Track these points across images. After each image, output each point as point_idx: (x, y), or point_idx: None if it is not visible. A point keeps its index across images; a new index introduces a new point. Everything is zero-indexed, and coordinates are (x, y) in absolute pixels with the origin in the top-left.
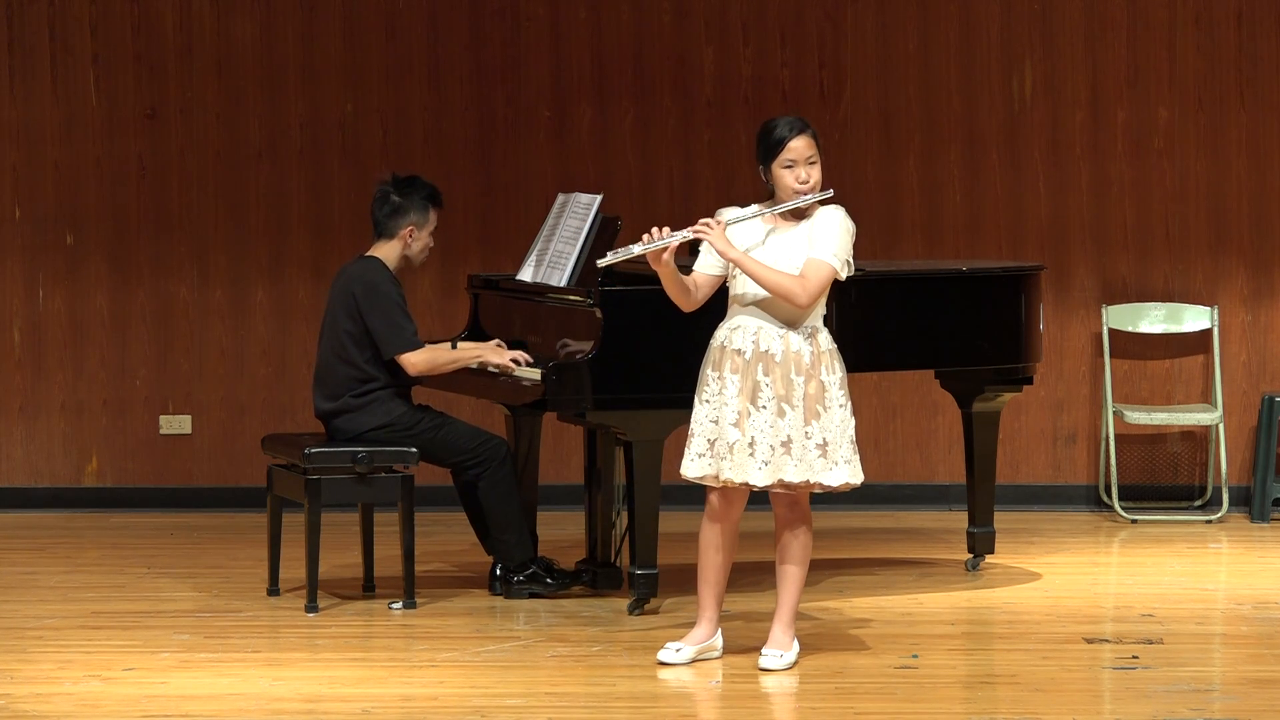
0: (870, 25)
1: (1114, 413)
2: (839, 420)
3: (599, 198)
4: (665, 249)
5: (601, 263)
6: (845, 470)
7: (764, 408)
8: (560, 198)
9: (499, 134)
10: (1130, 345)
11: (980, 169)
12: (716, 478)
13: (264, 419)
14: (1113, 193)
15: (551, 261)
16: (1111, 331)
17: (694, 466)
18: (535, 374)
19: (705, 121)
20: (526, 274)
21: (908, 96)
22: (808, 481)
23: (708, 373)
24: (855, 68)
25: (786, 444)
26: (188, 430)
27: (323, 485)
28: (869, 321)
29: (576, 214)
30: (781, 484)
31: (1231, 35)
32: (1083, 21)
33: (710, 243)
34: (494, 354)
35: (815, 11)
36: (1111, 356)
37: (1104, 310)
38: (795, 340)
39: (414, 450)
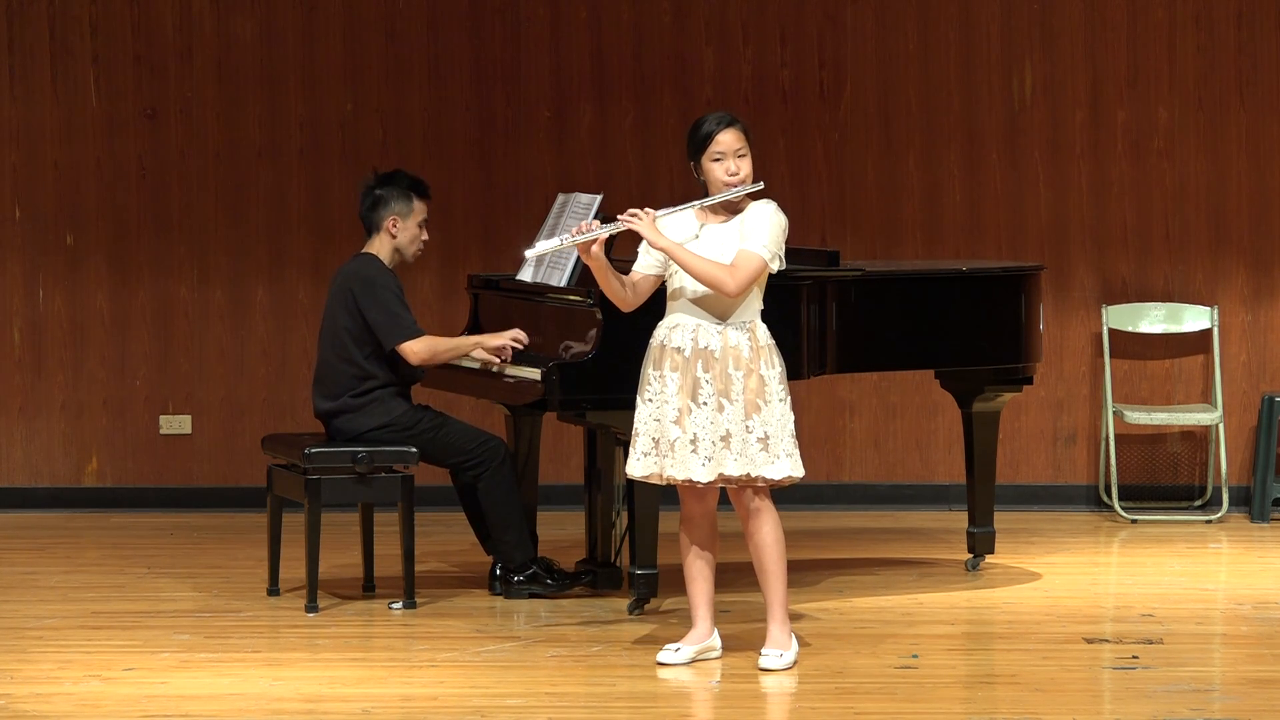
0: (870, 25)
1: (1114, 413)
2: (779, 414)
3: (599, 197)
4: (595, 241)
5: (530, 253)
6: (787, 464)
7: (704, 404)
8: (560, 197)
9: (499, 134)
10: (1130, 345)
11: (980, 169)
12: (660, 475)
13: (264, 419)
14: (1113, 193)
15: (551, 261)
16: (1111, 331)
17: (639, 466)
18: (535, 374)
19: None
20: (526, 274)
21: (908, 96)
22: (748, 475)
23: (649, 372)
24: (855, 68)
25: (726, 439)
26: (188, 430)
27: (323, 485)
28: (869, 321)
29: (576, 214)
30: (722, 478)
31: (1231, 35)
32: (1083, 21)
33: (640, 232)
34: (489, 339)
35: (815, 11)
36: (1111, 356)
37: (1104, 310)
38: (733, 335)
39: (414, 450)
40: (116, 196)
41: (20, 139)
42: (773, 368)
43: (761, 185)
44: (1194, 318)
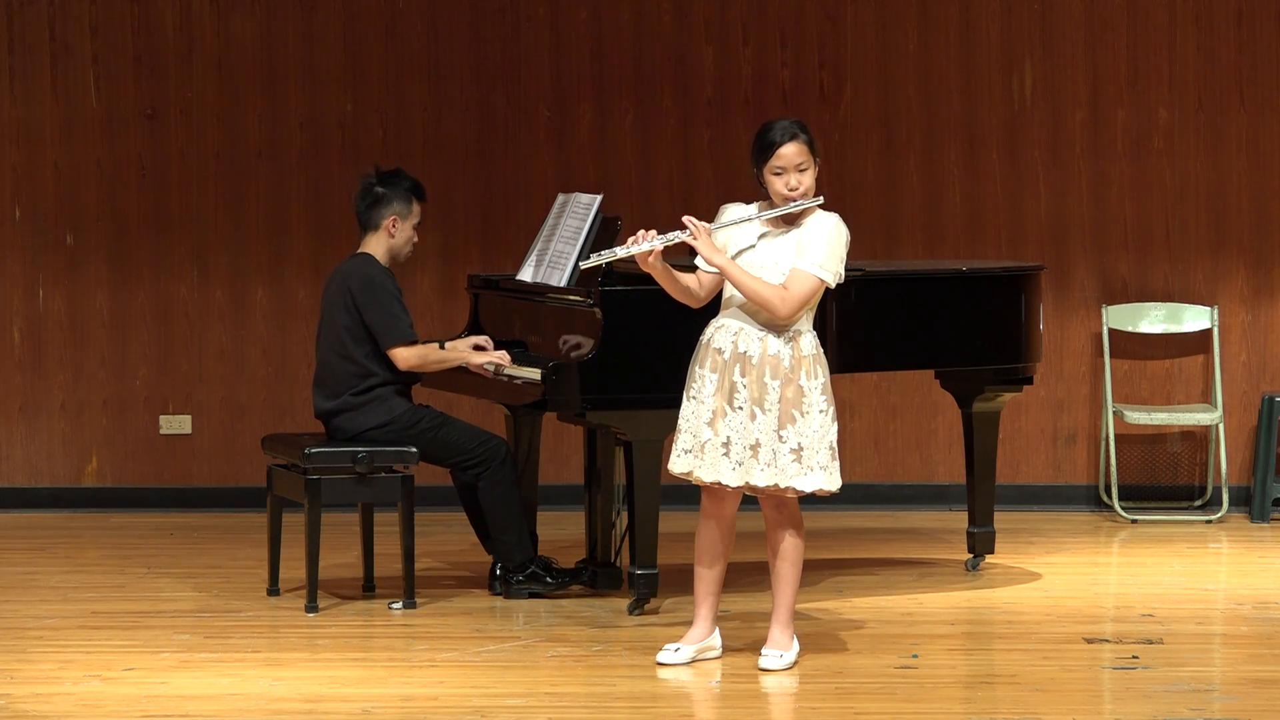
0: (870, 25)
1: (1114, 413)
2: (817, 425)
3: (599, 198)
4: (651, 252)
5: (585, 264)
6: (820, 476)
7: (740, 409)
8: (560, 198)
9: (499, 134)
10: (1130, 345)
11: (980, 169)
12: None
13: (264, 419)
14: (1113, 193)
15: (551, 261)
16: (1111, 331)
17: (679, 463)
18: (535, 374)
19: (705, 121)
20: (526, 274)
21: (908, 96)
22: (776, 485)
23: (694, 369)
24: (855, 68)
25: (755, 448)
26: (188, 430)
27: (323, 485)
28: (869, 321)
29: (576, 214)
30: (750, 487)
31: (1231, 35)
32: (1083, 21)
33: (695, 248)
34: (475, 355)
35: (815, 11)
36: (1111, 356)
37: (1104, 310)
38: (774, 344)
39: (414, 450)
40: (116, 196)
41: (20, 139)
42: (815, 378)
43: (820, 200)
44: (1194, 318)
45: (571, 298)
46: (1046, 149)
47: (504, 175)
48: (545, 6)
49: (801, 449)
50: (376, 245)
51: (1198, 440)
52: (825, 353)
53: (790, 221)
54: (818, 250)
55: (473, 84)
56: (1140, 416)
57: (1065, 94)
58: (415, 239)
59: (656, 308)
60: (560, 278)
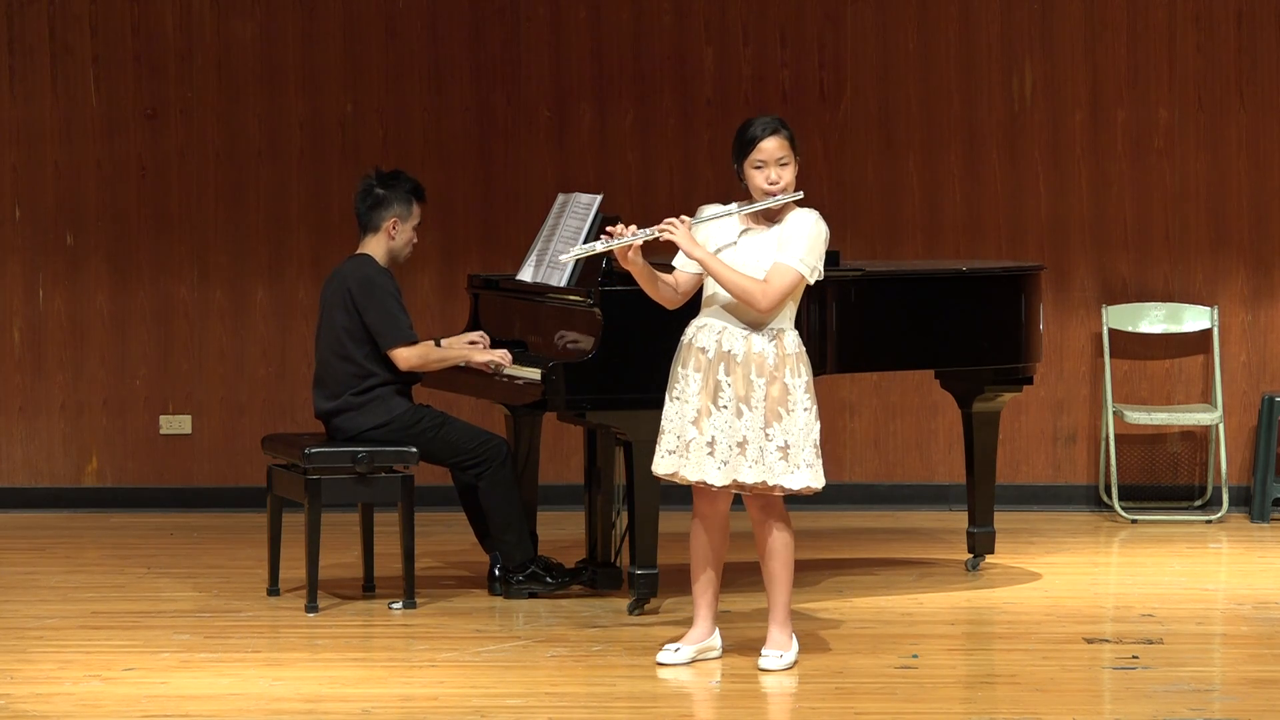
0: (870, 25)
1: (1114, 413)
2: (802, 423)
3: (599, 198)
4: (630, 247)
5: (564, 257)
6: (806, 474)
7: (724, 407)
8: (560, 198)
9: (499, 134)
10: (1130, 345)
11: (980, 169)
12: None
13: (264, 419)
14: (1113, 193)
15: (551, 261)
16: (1111, 331)
17: (663, 464)
18: (535, 374)
19: (705, 121)
20: (526, 274)
21: (908, 96)
22: (764, 483)
23: (677, 369)
24: (855, 68)
25: (742, 445)
26: (188, 430)
27: (323, 485)
28: (869, 321)
29: (576, 214)
30: (737, 485)
31: (1231, 35)
32: (1083, 22)
33: (676, 242)
34: (477, 354)
35: (815, 11)
36: (1111, 356)
37: (1104, 310)
38: (759, 341)
39: (414, 450)
40: (116, 196)
41: (20, 139)
42: (798, 376)
43: (801, 195)
44: (1194, 318)
45: (571, 298)
46: (1046, 149)
47: (504, 175)
48: (545, 6)
49: (788, 447)
50: (376, 246)
51: (1198, 440)
52: (826, 353)
53: (770, 218)
54: (799, 245)
55: (473, 84)
56: (1140, 416)
57: (1065, 94)
58: (415, 240)
59: (656, 308)
60: (560, 278)
